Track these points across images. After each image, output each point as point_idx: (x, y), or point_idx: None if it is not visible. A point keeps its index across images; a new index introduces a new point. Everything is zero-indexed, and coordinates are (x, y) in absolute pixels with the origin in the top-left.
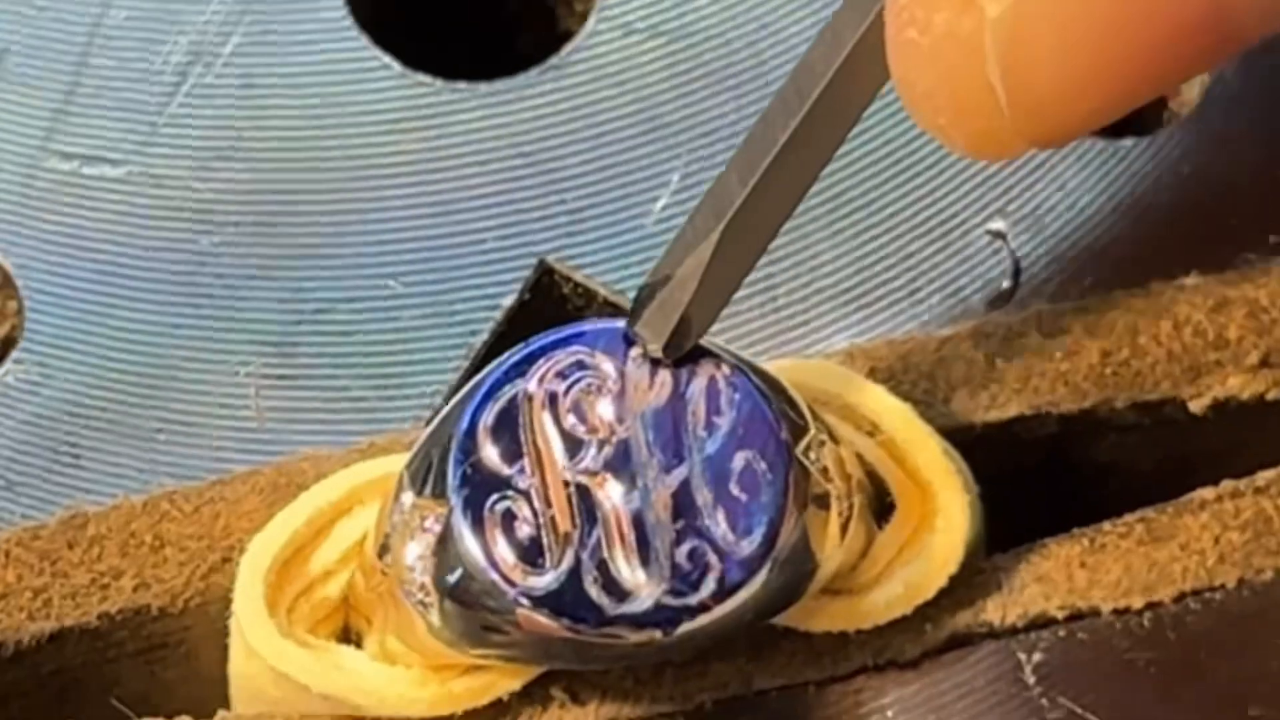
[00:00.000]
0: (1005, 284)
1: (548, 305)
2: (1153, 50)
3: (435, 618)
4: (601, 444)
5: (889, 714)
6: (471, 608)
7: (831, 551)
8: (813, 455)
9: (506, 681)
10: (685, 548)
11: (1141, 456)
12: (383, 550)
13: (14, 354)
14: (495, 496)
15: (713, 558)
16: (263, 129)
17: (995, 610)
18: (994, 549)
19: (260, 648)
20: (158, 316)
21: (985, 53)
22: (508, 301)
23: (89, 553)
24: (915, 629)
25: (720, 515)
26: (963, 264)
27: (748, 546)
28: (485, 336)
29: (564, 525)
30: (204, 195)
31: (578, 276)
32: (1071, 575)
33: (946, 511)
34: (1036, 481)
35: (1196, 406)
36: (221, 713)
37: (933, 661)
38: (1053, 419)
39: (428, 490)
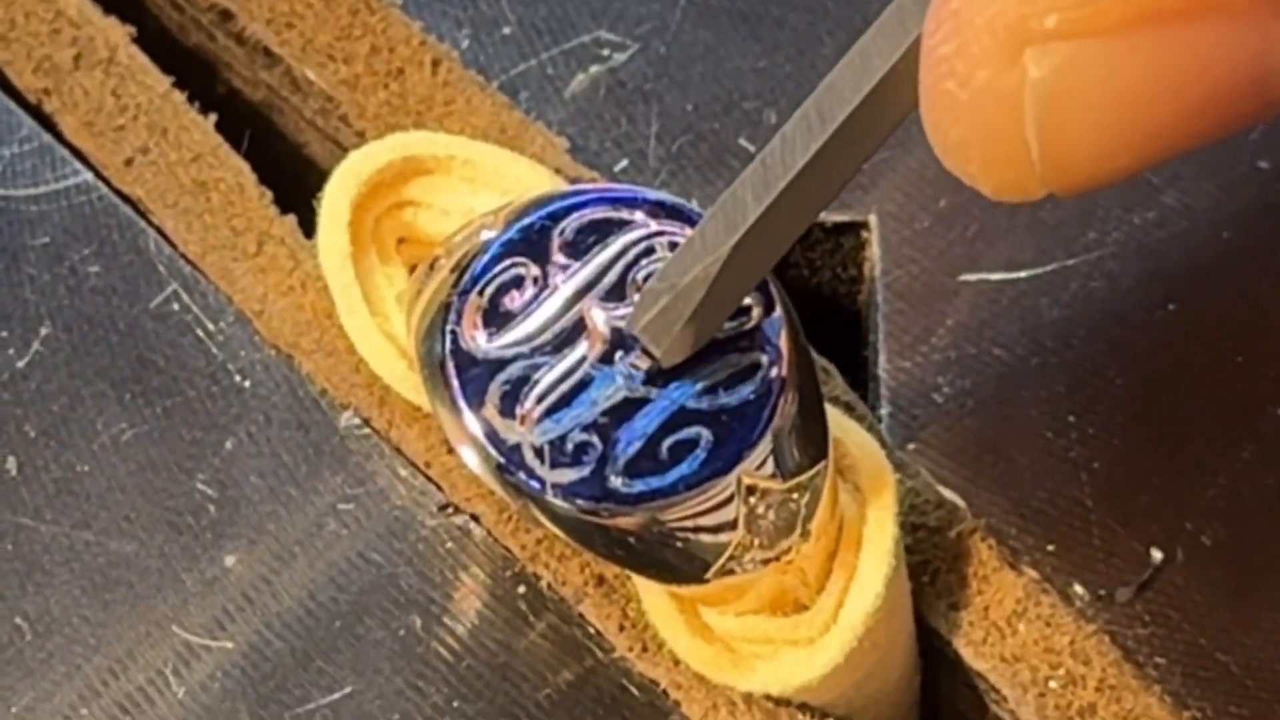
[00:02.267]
0: None
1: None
2: (1193, 115)
3: (421, 303)
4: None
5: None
6: (432, 317)
7: (696, 576)
8: (756, 500)
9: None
10: (589, 438)
11: None
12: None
13: None
14: (525, 260)
15: (589, 463)
16: None
17: None
18: None
19: (327, 210)
20: None
21: (1024, 111)
22: None
23: (350, 30)
24: (715, 700)
25: (632, 450)
26: None
27: (619, 489)
28: None
29: (539, 330)
30: None
31: None
32: None
33: (827, 643)
34: None
35: None
36: (291, 217)
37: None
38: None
39: (512, 216)
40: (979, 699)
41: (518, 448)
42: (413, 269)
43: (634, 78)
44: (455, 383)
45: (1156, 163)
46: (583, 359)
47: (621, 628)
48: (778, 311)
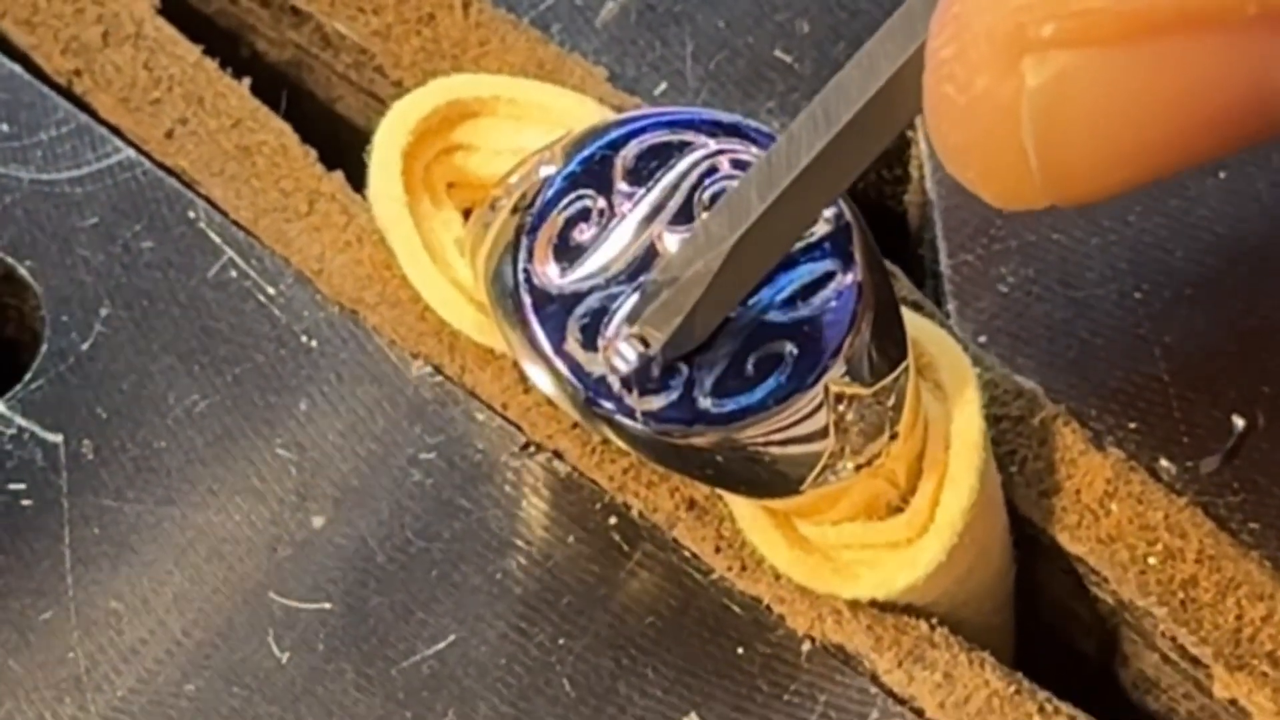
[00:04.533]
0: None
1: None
2: (1192, 132)
3: (487, 245)
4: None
5: (737, 651)
6: (502, 257)
7: (792, 489)
8: (845, 406)
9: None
10: (673, 362)
11: (1178, 699)
12: (520, 167)
13: None
14: (589, 192)
15: (677, 387)
16: None
17: (888, 663)
18: None
19: (376, 148)
20: None
21: (1021, 119)
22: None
23: None
24: (820, 610)
25: (718, 370)
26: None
27: (710, 409)
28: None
29: (612, 260)
30: None
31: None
32: (970, 697)
33: (916, 553)
34: (1089, 641)
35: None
36: (338, 173)
37: (810, 649)
38: (1108, 590)
39: (570, 149)
40: (1078, 583)
41: (603, 379)
42: (466, 213)
43: (663, 1)
44: (534, 320)
45: (1157, 177)
46: None
47: (718, 549)
48: (847, 217)
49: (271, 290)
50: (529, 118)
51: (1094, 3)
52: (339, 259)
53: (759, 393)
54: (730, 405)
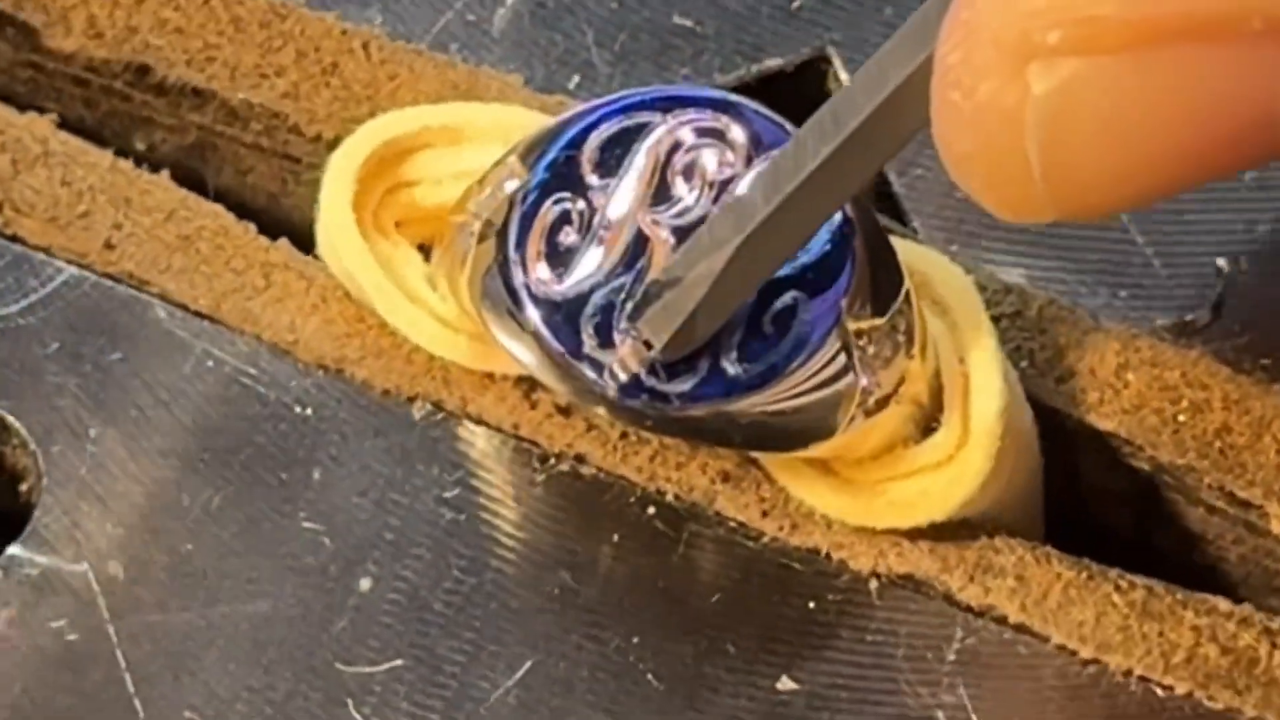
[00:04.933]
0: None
1: (807, 88)
2: (1199, 147)
3: (467, 270)
4: (688, 209)
5: (809, 606)
6: (492, 277)
7: (829, 432)
8: (864, 340)
9: (509, 364)
10: None
11: (1228, 546)
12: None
13: None
14: (566, 195)
15: (703, 364)
16: None
17: (960, 579)
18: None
19: (326, 202)
20: None
21: (1026, 127)
22: (772, 62)
23: (271, 41)
24: (881, 547)
25: (738, 335)
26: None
27: (741, 376)
28: (732, 80)
29: (605, 254)
30: None
31: (846, 78)
32: (1049, 593)
33: (965, 465)
34: (1125, 513)
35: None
36: (283, 240)
37: (879, 585)
38: (1145, 456)
39: (527, 159)
40: (1112, 458)
41: (633, 375)
42: (420, 247)
43: None
44: (546, 331)
45: (1164, 193)
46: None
47: (764, 513)
48: None
49: (253, 370)
50: (463, 140)
51: (1100, 10)
52: (310, 323)
53: (784, 347)
54: (760, 366)
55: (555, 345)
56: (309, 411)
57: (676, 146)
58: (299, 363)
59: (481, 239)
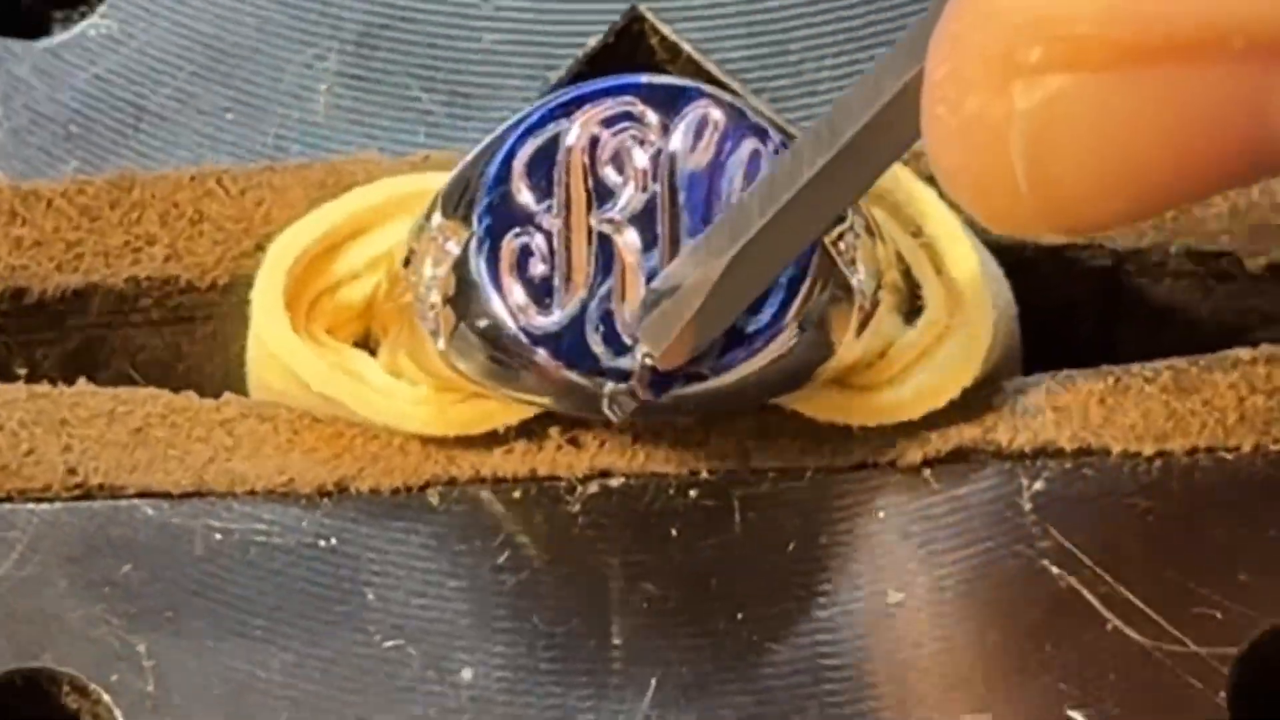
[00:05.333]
0: None
1: (632, 53)
2: (1185, 165)
3: (442, 341)
4: (631, 197)
5: (880, 514)
6: (477, 336)
7: (847, 343)
8: (843, 245)
9: (505, 414)
10: None
11: (1196, 307)
12: (407, 261)
13: (100, 8)
14: (516, 231)
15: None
16: None
17: (1005, 432)
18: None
19: (268, 337)
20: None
21: (1011, 142)
22: (592, 42)
23: (129, 215)
24: (921, 435)
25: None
26: None
27: (754, 323)
28: (562, 73)
29: (577, 270)
30: None
31: (666, 30)
32: (1088, 411)
33: (972, 323)
34: (1087, 317)
35: (1253, 266)
36: (227, 394)
37: (933, 470)
38: (1106, 251)
39: (457, 213)
40: (1070, 268)
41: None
42: (358, 340)
43: (348, 62)
44: (562, 365)
45: (1152, 211)
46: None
47: (802, 451)
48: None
49: (262, 525)
50: (364, 226)
51: (1081, 28)
52: (295, 458)
53: (783, 282)
54: (771, 309)
55: (574, 375)
56: (334, 541)
57: (595, 142)
58: (301, 499)
59: (446, 303)
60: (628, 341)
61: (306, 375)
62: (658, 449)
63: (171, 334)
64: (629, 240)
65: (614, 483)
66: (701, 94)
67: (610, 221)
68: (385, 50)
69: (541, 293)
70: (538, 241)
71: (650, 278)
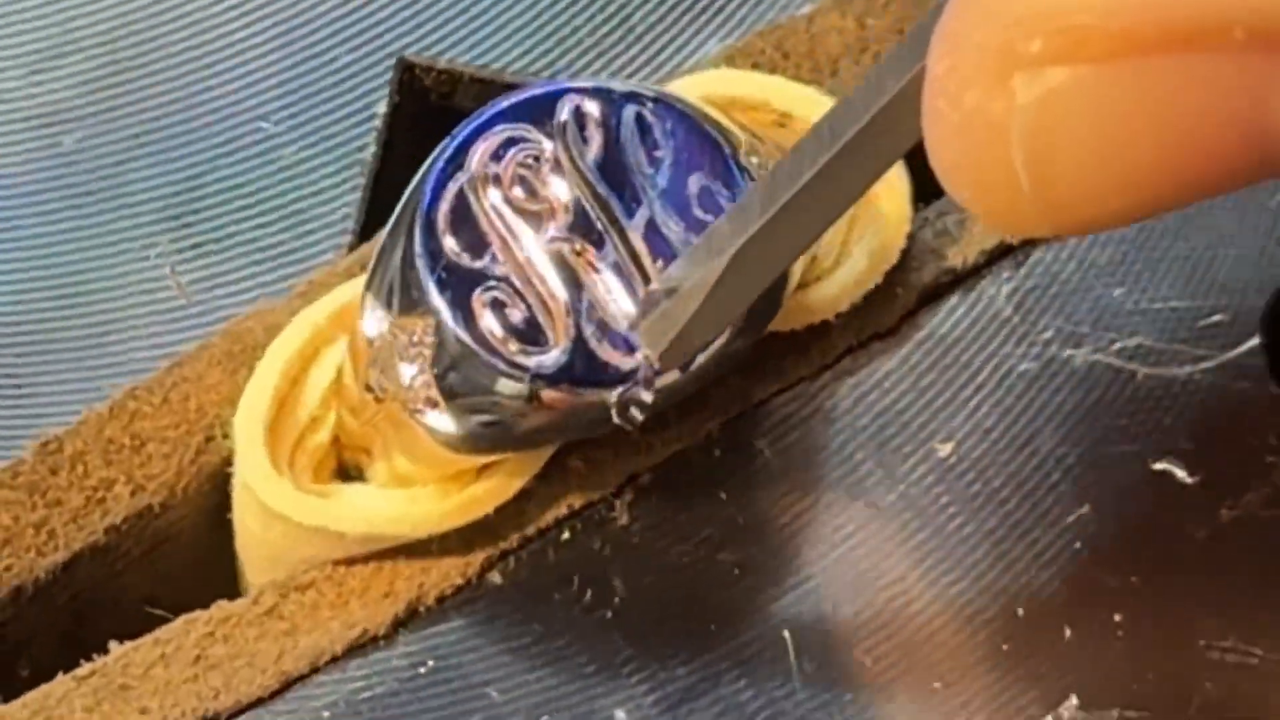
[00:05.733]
0: None
1: (420, 100)
2: (1187, 161)
3: (446, 425)
4: (558, 210)
5: (885, 385)
6: (482, 407)
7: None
8: (755, 160)
9: (524, 470)
10: None
11: None
12: (369, 380)
13: None
14: (479, 290)
15: None
16: (91, 16)
17: (955, 255)
18: None
19: (282, 509)
20: (51, 226)
21: (1011, 137)
22: (381, 109)
23: (74, 472)
24: (887, 298)
25: (694, 241)
26: None
27: None
28: (373, 148)
29: (551, 298)
30: (46, 96)
31: (440, 64)
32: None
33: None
34: None
35: None
36: (219, 602)
37: (910, 323)
38: None
39: (402, 307)
40: None
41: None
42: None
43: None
44: (585, 388)
45: (1155, 209)
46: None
47: (795, 365)
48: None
49: (359, 683)
50: (323, 344)
51: (1081, 20)
52: (355, 609)
53: None
54: None
55: (603, 393)
56: (431, 663)
57: (497, 180)
58: (381, 641)
59: (441, 392)
60: (634, 341)
61: (336, 525)
62: (667, 429)
63: (151, 563)
64: (581, 247)
65: (646, 480)
66: (564, 90)
67: (554, 240)
68: (204, 211)
69: (532, 334)
70: (503, 290)
71: (619, 271)
